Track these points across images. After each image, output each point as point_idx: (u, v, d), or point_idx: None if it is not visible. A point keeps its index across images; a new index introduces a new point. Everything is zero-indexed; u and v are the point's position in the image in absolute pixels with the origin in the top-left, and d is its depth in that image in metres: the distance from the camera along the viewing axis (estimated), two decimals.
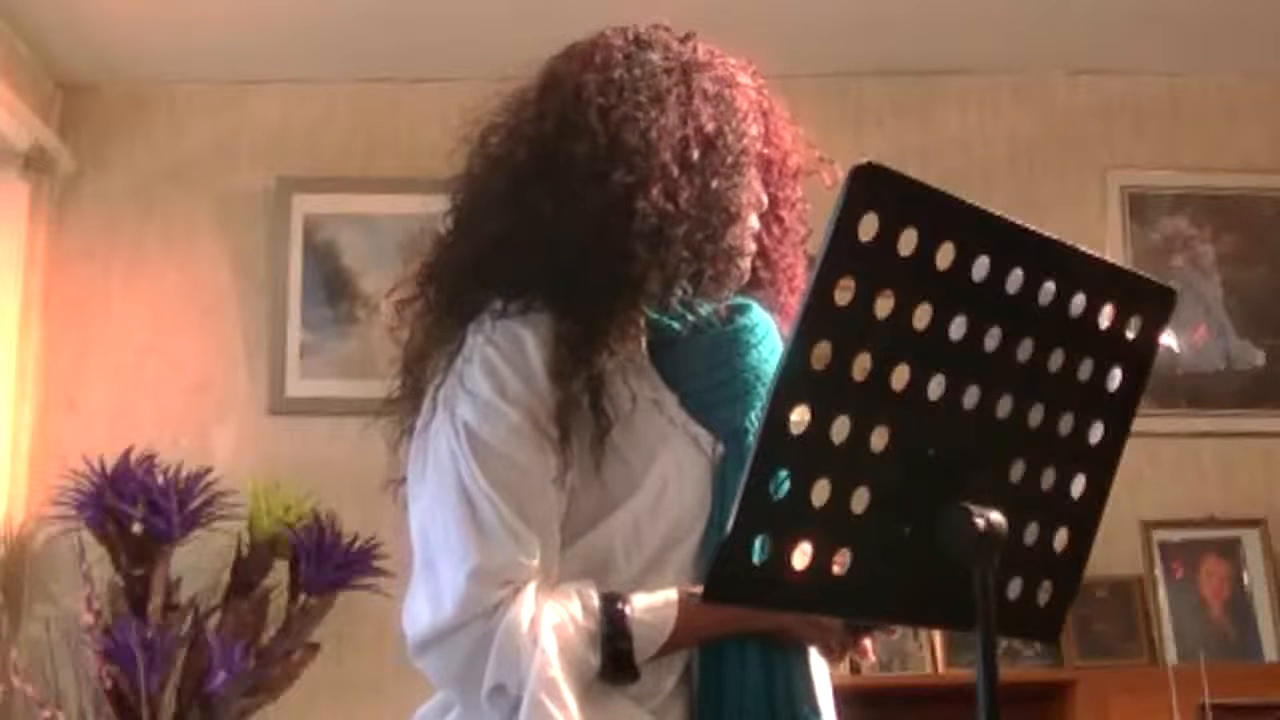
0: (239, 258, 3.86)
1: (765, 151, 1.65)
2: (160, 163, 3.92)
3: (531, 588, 1.44)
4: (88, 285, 3.83)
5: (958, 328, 1.20)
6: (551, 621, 1.42)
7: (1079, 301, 1.26)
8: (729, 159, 1.55)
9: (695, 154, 1.53)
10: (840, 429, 1.16)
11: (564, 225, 1.51)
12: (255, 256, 3.86)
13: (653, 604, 1.45)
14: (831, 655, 1.55)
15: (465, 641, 1.42)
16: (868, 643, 1.55)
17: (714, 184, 1.53)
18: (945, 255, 1.17)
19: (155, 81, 3.94)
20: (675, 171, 1.52)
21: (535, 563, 1.45)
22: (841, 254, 1.12)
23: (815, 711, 1.52)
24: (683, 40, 1.62)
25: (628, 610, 1.44)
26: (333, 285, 3.84)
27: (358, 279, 3.83)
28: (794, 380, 1.14)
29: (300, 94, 3.95)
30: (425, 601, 1.46)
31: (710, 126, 1.55)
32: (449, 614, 1.43)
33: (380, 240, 3.74)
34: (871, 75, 3.97)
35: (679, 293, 1.53)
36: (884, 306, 1.16)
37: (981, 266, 1.19)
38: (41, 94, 3.84)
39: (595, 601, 1.44)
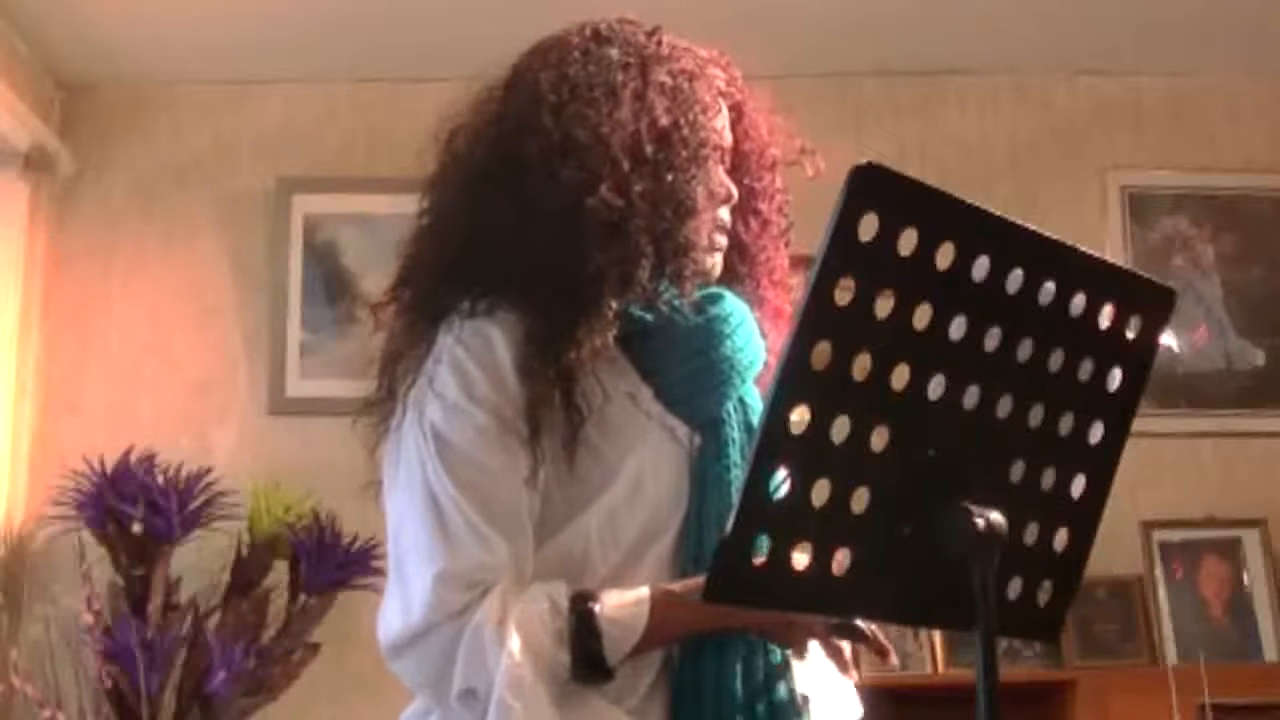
0: (239, 258, 3.86)
1: (740, 144, 1.64)
2: (160, 163, 3.92)
3: (499, 589, 1.43)
4: (88, 285, 3.83)
5: (958, 328, 1.20)
6: (518, 621, 1.41)
7: (1079, 301, 1.26)
8: (684, 153, 1.53)
9: (649, 149, 1.52)
10: (840, 429, 1.16)
11: (521, 225, 1.51)
12: (255, 256, 3.86)
13: (623, 602, 1.43)
14: (802, 658, 1.51)
15: (435, 645, 1.42)
16: (847, 651, 1.52)
17: (669, 178, 1.52)
18: (945, 255, 1.17)
19: (155, 81, 3.94)
20: (626, 167, 1.50)
21: (503, 564, 1.44)
22: (841, 254, 1.12)
23: (798, 711, 1.52)
24: (648, 34, 1.61)
25: (597, 608, 1.42)
26: (333, 285, 3.84)
27: (358, 279, 3.82)
28: (794, 380, 1.14)
29: (300, 94, 3.95)
30: (396, 606, 1.46)
31: (665, 120, 1.53)
32: (417, 618, 1.42)
33: (380, 240, 3.73)
34: (871, 75, 3.97)
35: (640, 287, 1.51)
36: (884, 306, 1.16)
37: (981, 266, 1.19)
38: (41, 94, 3.84)
39: (564, 601, 1.43)
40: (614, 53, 1.57)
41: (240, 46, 3.81)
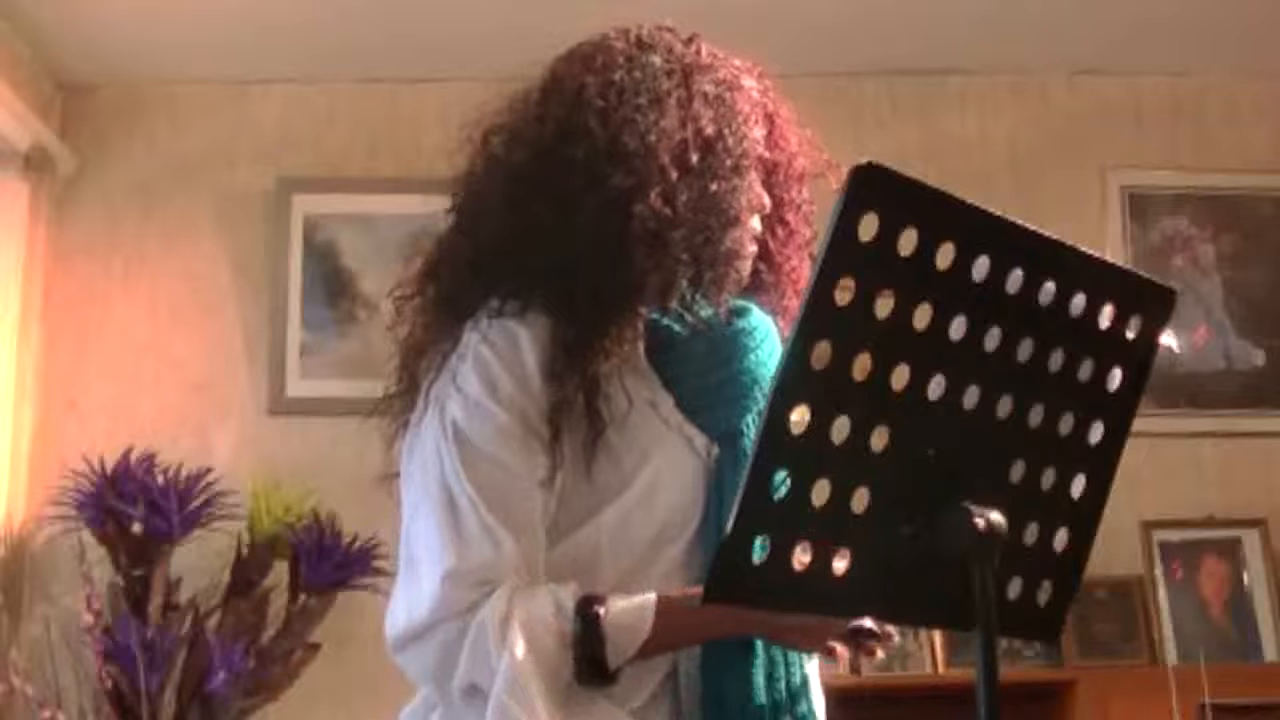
0: (239, 257, 3.86)
1: (770, 154, 1.65)
2: (160, 163, 3.92)
3: (506, 588, 1.43)
4: (88, 285, 3.83)
5: (958, 328, 1.20)
6: (521, 621, 1.41)
7: (1079, 301, 1.26)
8: (728, 162, 1.55)
9: (694, 157, 1.53)
10: (840, 429, 1.16)
11: (562, 228, 1.51)
12: (255, 256, 3.86)
13: (629, 606, 1.44)
14: (832, 659, 1.53)
15: (439, 640, 1.43)
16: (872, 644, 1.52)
17: (713, 187, 1.53)
18: (945, 255, 1.17)
19: (155, 81, 3.94)
20: (674, 175, 1.51)
21: (513, 564, 1.45)
22: (841, 254, 1.12)
23: (812, 711, 1.52)
24: (686, 42, 1.62)
25: (602, 612, 1.43)
26: (333, 285, 3.84)
27: (358, 279, 3.83)
28: (794, 380, 1.14)
29: (300, 94, 3.95)
30: (403, 600, 1.47)
31: (710, 130, 1.55)
32: (423, 614, 1.43)
33: (380, 240, 3.74)
34: (871, 75, 3.97)
35: (677, 295, 1.53)
36: (884, 306, 1.16)
37: (981, 266, 1.19)
38: (41, 94, 3.84)
39: (570, 603, 1.43)
40: (657, 60, 1.57)
41: (240, 46, 3.80)
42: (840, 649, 1.49)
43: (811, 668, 1.57)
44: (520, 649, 1.40)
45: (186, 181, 3.90)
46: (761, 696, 1.49)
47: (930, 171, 1.26)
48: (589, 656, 1.42)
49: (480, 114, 1.62)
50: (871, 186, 1.13)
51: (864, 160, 1.12)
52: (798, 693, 1.52)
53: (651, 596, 1.45)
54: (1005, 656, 3.38)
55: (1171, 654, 3.52)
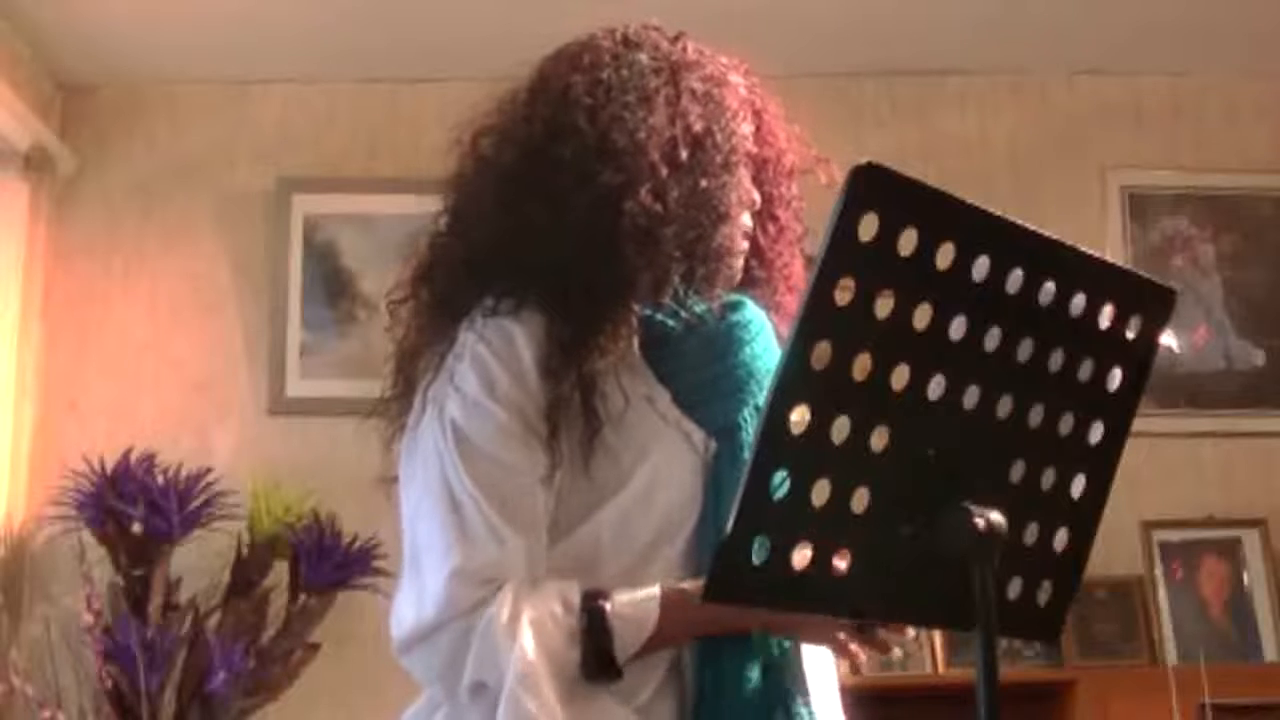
0: (239, 257, 3.86)
1: (759, 150, 1.65)
2: (160, 162, 3.92)
3: (512, 585, 1.44)
4: (88, 285, 3.83)
5: (958, 328, 1.20)
6: (530, 618, 1.41)
7: (1079, 301, 1.26)
8: (718, 158, 1.55)
9: (684, 154, 1.54)
10: (840, 429, 1.16)
11: (555, 227, 1.51)
12: (255, 256, 3.86)
13: (634, 599, 1.44)
14: (842, 655, 1.53)
15: (446, 640, 1.43)
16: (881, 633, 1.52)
17: (703, 183, 1.54)
18: (945, 255, 1.17)
19: (155, 81, 3.94)
20: (664, 171, 1.52)
21: (518, 562, 1.45)
22: (841, 254, 1.13)
23: (809, 707, 1.52)
24: (673, 40, 1.62)
25: (608, 606, 1.43)
26: (333, 285, 3.84)
27: (358, 279, 3.83)
28: (794, 380, 1.14)
29: (300, 94, 3.95)
30: (409, 601, 1.47)
31: (699, 126, 1.55)
32: (430, 614, 1.43)
33: (380, 240, 3.74)
34: (871, 75, 3.97)
35: (670, 291, 1.53)
36: (884, 306, 1.16)
37: (981, 266, 1.19)
38: (41, 94, 3.84)
39: (575, 598, 1.44)
40: (644, 58, 1.58)
41: (240, 46, 3.81)
42: (852, 645, 1.49)
43: (823, 666, 1.57)
44: (530, 646, 1.40)
45: (186, 181, 3.90)
46: (756, 689, 1.48)
47: (930, 171, 1.26)
48: (596, 651, 1.42)
49: (470, 115, 1.63)
50: (871, 186, 1.13)
51: (864, 160, 1.12)
52: (795, 687, 1.51)
53: (655, 589, 1.45)
54: (1005, 656, 3.39)
55: (1171, 654, 3.52)
